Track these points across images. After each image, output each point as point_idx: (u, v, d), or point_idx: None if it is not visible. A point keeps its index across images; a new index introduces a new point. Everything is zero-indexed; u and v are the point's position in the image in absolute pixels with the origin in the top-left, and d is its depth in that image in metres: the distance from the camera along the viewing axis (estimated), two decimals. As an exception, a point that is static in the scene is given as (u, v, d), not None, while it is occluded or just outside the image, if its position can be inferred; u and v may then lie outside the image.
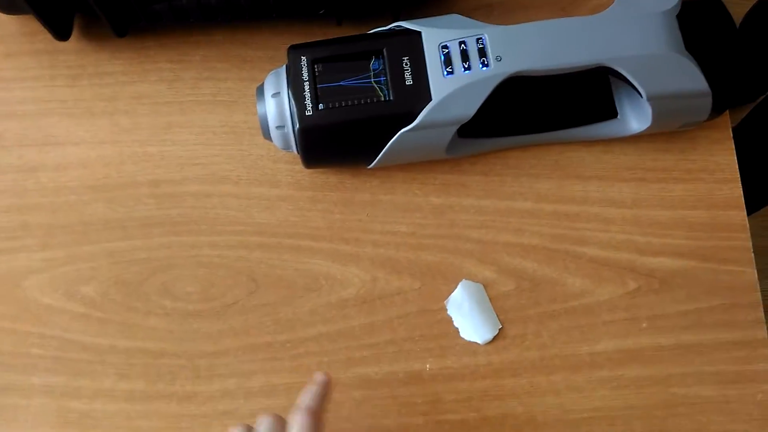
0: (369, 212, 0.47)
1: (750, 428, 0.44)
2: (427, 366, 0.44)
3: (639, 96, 0.42)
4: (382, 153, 0.43)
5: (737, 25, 0.46)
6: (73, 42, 0.49)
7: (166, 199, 0.47)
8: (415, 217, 0.47)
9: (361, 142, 0.43)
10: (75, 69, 0.49)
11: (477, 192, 0.47)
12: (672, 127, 0.46)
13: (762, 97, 0.89)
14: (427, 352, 0.45)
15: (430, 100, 0.41)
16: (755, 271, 0.46)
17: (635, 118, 0.46)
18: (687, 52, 0.42)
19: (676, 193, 0.47)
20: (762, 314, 0.45)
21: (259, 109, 0.43)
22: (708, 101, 0.43)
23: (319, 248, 0.46)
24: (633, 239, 0.46)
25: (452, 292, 0.45)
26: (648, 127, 0.44)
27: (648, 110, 0.43)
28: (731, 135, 0.48)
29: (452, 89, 0.41)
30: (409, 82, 0.41)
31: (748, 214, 0.47)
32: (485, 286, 0.45)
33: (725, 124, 0.48)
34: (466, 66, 0.41)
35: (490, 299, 0.45)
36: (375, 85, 0.41)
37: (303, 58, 0.42)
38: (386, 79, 0.41)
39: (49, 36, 0.46)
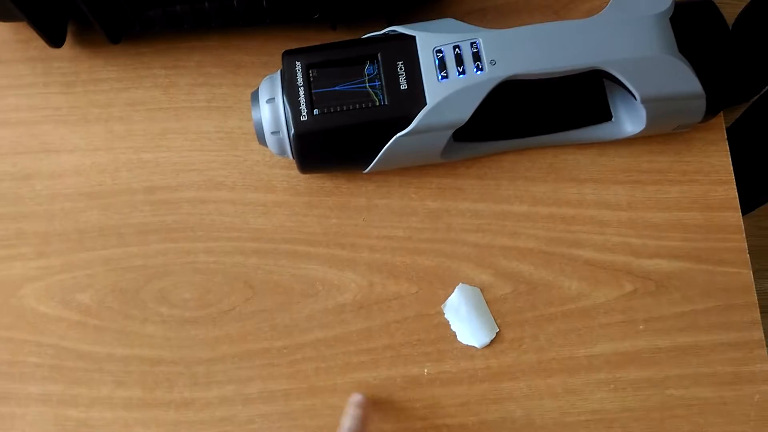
0: (365, 217, 0.47)
1: (748, 429, 0.44)
2: (425, 370, 0.44)
3: (633, 99, 0.42)
4: (377, 158, 0.43)
5: (730, 26, 0.46)
6: (67, 49, 0.49)
7: (161, 205, 0.47)
8: (411, 221, 0.47)
9: (356, 147, 0.43)
10: (69, 76, 0.49)
11: (473, 196, 0.47)
12: (666, 129, 0.46)
13: (756, 96, 0.90)
14: (424, 357, 0.45)
15: (425, 104, 0.41)
16: (751, 272, 0.46)
17: (630, 121, 0.46)
18: (680, 54, 0.42)
19: (671, 195, 0.47)
20: (758, 315, 0.45)
21: (254, 114, 0.43)
22: (702, 103, 0.43)
23: (315, 253, 0.46)
24: (629, 241, 0.46)
25: (449, 296, 0.45)
26: (642, 130, 0.44)
27: (642, 113, 0.43)
28: (726, 136, 0.48)
29: (447, 93, 0.41)
30: (403, 86, 0.41)
31: (743, 214, 0.47)
32: (482, 290, 0.45)
33: (719, 126, 0.48)
34: (461, 70, 0.41)
35: (487, 303, 0.45)
36: (370, 90, 0.41)
37: (298, 63, 0.42)
38: (381, 84, 0.41)
39: (42, 43, 0.46)
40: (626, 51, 0.41)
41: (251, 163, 0.47)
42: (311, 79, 0.42)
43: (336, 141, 0.42)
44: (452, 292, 0.45)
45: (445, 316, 0.45)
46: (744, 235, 0.46)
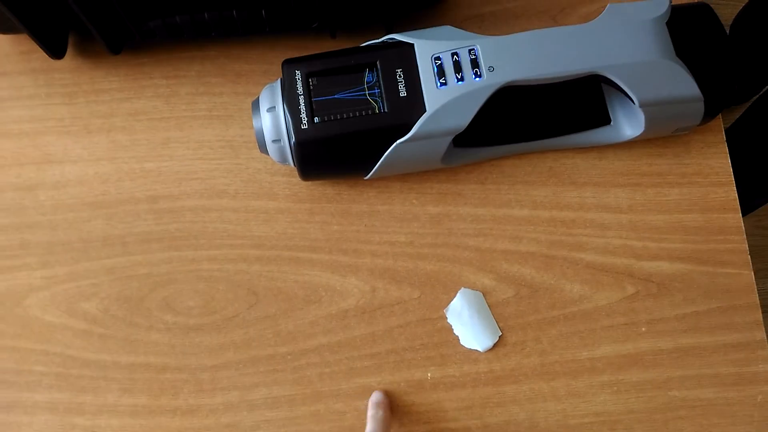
0: (367, 223, 0.47)
1: (751, 430, 0.44)
2: (429, 375, 0.45)
3: (631, 103, 0.42)
4: (378, 164, 0.43)
5: (727, 27, 0.47)
6: (68, 60, 0.49)
7: (164, 214, 0.47)
8: (412, 226, 0.47)
9: (357, 154, 0.43)
10: (71, 87, 0.49)
11: (473, 200, 0.47)
12: (665, 132, 0.46)
13: (755, 97, 0.90)
14: (428, 361, 0.45)
15: (425, 111, 0.41)
16: (752, 272, 0.46)
17: (628, 125, 0.46)
18: (678, 58, 0.42)
19: (671, 198, 0.47)
20: (760, 316, 0.45)
21: (255, 123, 0.43)
22: (700, 106, 0.43)
23: (318, 260, 0.46)
24: (630, 244, 0.46)
25: (451, 300, 0.45)
26: (641, 133, 0.45)
27: (641, 116, 0.43)
28: (725, 138, 0.48)
29: (446, 100, 0.41)
30: (403, 93, 0.42)
31: (743, 214, 0.47)
32: (484, 294, 0.46)
33: (718, 128, 0.48)
34: (459, 77, 0.41)
35: (489, 307, 0.45)
36: (369, 98, 0.42)
37: (297, 72, 0.42)
38: (380, 92, 0.42)
39: (44, 54, 0.46)
40: (624, 56, 0.42)
41: (253, 171, 0.48)
42: (311, 87, 0.42)
43: (337, 148, 0.42)
44: (454, 296, 0.45)
45: (448, 320, 0.45)
46: (745, 236, 0.46)
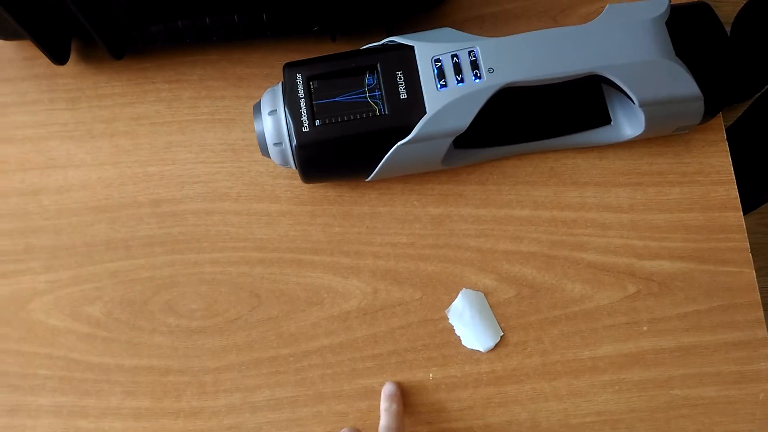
0: (368, 224, 0.47)
1: (753, 428, 0.44)
2: (430, 375, 0.45)
3: (631, 102, 0.42)
4: (379, 166, 0.43)
5: (729, 25, 0.47)
6: (71, 65, 0.50)
7: (167, 217, 0.47)
8: (414, 227, 0.47)
9: (358, 156, 0.43)
10: (74, 92, 0.50)
11: (475, 201, 0.47)
12: (666, 131, 0.46)
13: (758, 94, 0.90)
14: (429, 362, 0.45)
15: (425, 113, 0.41)
16: (753, 271, 0.46)
17: (629, 124, 0.46)
18: (677, 57, 0.42)
19: (672, 197, 0.47)
20: (761, 314, 0.45)
21: (257, 126, 0.43)
22: (700, 105, 0.43)
23: (320, 262, 0.46)
24: (631, 243, 0.46)
25: (453, 301, 0.46)
26: (642, 133, 0.45)
27: (641, 116, 0.43)
28: (725, 137, 0.48)
29: (446, 102, 0.41)
30: (403, 96, 0.42)
31: (746, 212, 0.47)
32: (486, 294, 0.46)
33: (719, 126, 0.48)
34: (459, 78, 0.41)
35: (490, 307, 0.46)
36: (370, 100, 0.42)
37: (298, 75, 0.42)
38: (381, 94, 0.42)
39: (47, 60, 0.47)
40: (623, 56, 0.42)
41: (255, 174, 0.48)
42: (312, 90, 0.42)
43: (338, 151, 0.43)
44: (456, 297, 0.46)
45: (449, 321, 0.45)
46: (746, 234, 0.46)
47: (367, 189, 0.48)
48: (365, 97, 0.42)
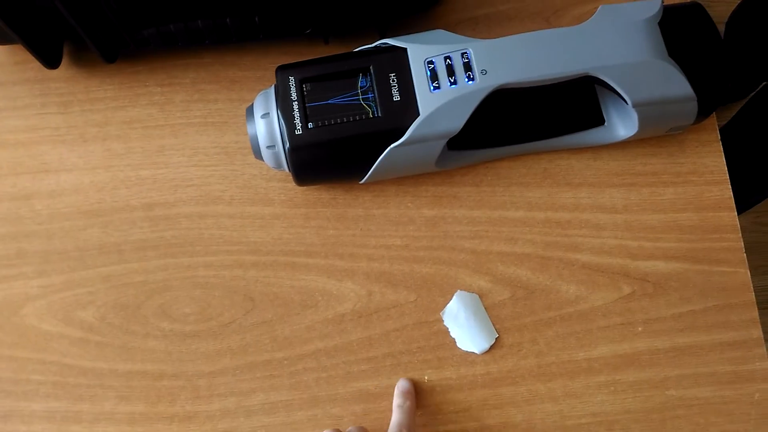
0: (362, 227, 0.47)
1: (748, 428, 0.44)
2: (426, 378, 0.45)
3: (625, 103, 0.42)
4: (372, 169, 0.43)
5: (722, 25, 0.47)
6: (63, 69, 0.49)
7: (160, 221, 0.47)
8: (408, 229, 0.47)
9: (351, 159, 0.43)
10: (66, 96, 0.49)
11: (469, 203, 0.47)
12: (659, 132, 0.46)
13: (752, 93, 0.90)
14: (424, 364, 0.45)
15: (418, 115, 0.41)
16: (748, 271, 0.46)
17: (622, 125, 0.46)
18: (670, 58, 0.42)
19: (666, 197, 0.47)
20: (756, 314, 0.45)
21: (249, 130, 0.43)
22: (693, 105, 0.43)
23: (314, 264, 0.46)
24: (625, 244, 0.46)
25: (448, 303, 0.45)
26: (635, 133, 0.45)
27: (634, 117, 0.43)
28: (719, 137, 0.48)
29: (439, 104, 0.41)
30: (396, 98, 0.42)
31: (740, 212, 0.47)
32: (480, 296, 0.46)
33: (712, 126, 0.48)
34: (452, 80, 0.41)
35: (485, 309, 0.45)
36: (363, 103, 0.42)
37: (291, 78, 0.42)
38: (374, 96, 0.42)
39: (38, 64, 0.46)
40: (616, 57, 0.42)
41: (248, 177, 0.48)
42: (305, 93, 0.42)
43: (331, 153, 0.42)
44: (451, 299, 0.46)
45: (444, 323, 0.45)
46: (740, 234, 0.46)
47: (361, 191, 0.47)
48: (358, 100, 0.42)
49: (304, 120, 0.42)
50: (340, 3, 0.45)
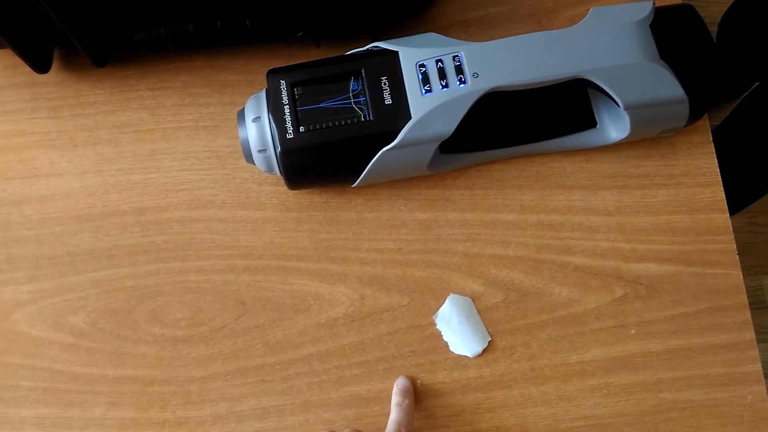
0: (355, 230, 0.47)
1: (741, 430, 0.44)
2: (418, 382, 0.44)
3: (616, 105, 0.42)
4: (364, 172, 0.43)
5: (715, 26, 0.47)
6: (54, 74, 0.49)
7: (151, 226, 0.47)
8: (401, 233, 0.47)
9: (343, 162, 0.43)
10: (56, 100, 0.49)
11: (461, 206, 0.47)
12: (651, 134, 0.46)
13: (745, 94, 0.90)
14: (417, 368, 0.45)
15: (410, 118, 0.41)
16: (740, 273, 0.46)
17: (614, 127, 0.46)
18: (662, 60, 0.42)
19: (658, 199, 0.47)
20: (749, 316, 0.45)
21: (241, 133, 0.43)
22: (685, 107, 0.43)
23: (306, 268, 0.46)
24: (618, 246, 0.46)
25: (440, 306, 0.45)
26: (627, 136, 0.45)
27: (626, 119, 0.43)
28: (711, 138, 0.48)
29: (431, 107, 0.41)
30: (388, 101, 0.42)
31: (734, 212, 0.47)
32: (473, 299, 0.46)
33: (704, 128, 0.48)
34: (444, 84, 0.41)
35: (478, 312, 0.45)
36: (355, 106, 0.42)
37: (282, 81, 0.42)
38: (366, 100, 0.42)
39: (28, 69, 0.46)
40: (608, 59, 0.42)
41: (240, 181, 0.48)
42: (296, 96, 0.42)
43: (323, 157, 0.42)
44: (443, 302, 0.45)
45: (437, 326, 0.45)
46: (732, 236, 0.46)
47: (354, 195, 0.47)
48: (350, 103, 0.42)
49: (296, 124, 0.41)
50: (331, 6, 0.45)
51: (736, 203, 0.89)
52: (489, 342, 0.45)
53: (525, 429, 0.44)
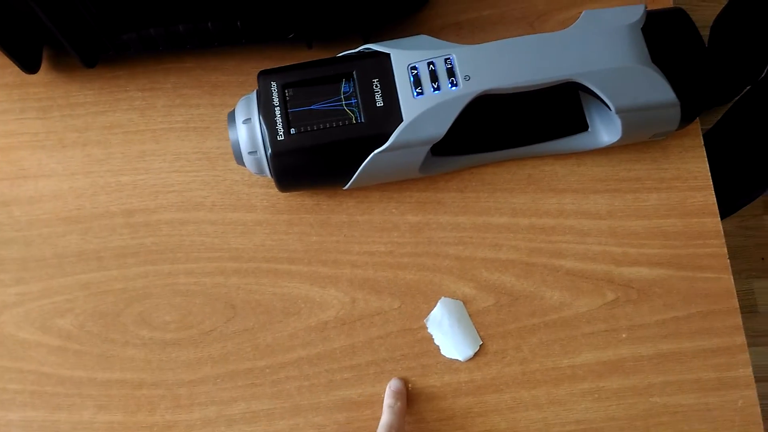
0: (346, 233, 0.47)
1: (732, 434, 0.44)
2: (409, 386, 0.44)
3: (608, 109, 0.42)
4: (356, 174, 0.43)
5: (707, 29, 0.47)
6: (43, 74, 0.49)
7: (140, 228, 0.46)
8: (392, 236, 0.47)
9: (334, 164, 0.43)
10: (45, 101, 0.49)
11: (453, 209, 0.47)
12: (643, 137, 0.46)
13: (737, 98, 0.90)
14: (408, 372, 0.44)
15: (401, 121, 0.41)
16: (731, 277, 0.46)
17: (606, 131, 0.46)
18: (653, 63, 0.42)
19: (650, 203, 0.47)
20: (740, 320, 0.45)
21: (231, 135, 0.43)
22: (677, 111, 0.43)
23: (297, 271, 0.46)
24: (609, 250, 0.46)
25: (432, 310, 0.45)
26: (619, 139, 0.45)
27: (618, 123, 0.43)
28: (702, 142, 0.48)
29: (423, 110, 0.41)
30: (379, 103, 0.41)
31: (726, 215, 0.47)
32: (465, 303, 0.45)
33: (696, 132, 0.48)
34: (436, 86, 0.41)
35: (469, 315, 0.45)
36: (346, 108, 0.42)
37: (273, 83, 0.42)
38: (357, 102, 0.42)
39: (17, 69, 0.46)
40: (599, 63, 0.42)
41: (230, 183, 0.47)
42: (287, 98, 0.42)
43: (314, 159, 0.42)
44: (435, 306, 0.45)
45: (428, 330, 0.45)
46: (724, 240, 0.46)
47: (345, 197, 0.47)
48: (341, 105, 0.42)
49: (287, 125, 0.41)
50: (323, 8, 0.44)
51: (727, 207, 0.90)
52: (480, 346, 0.45)
53: (516, 433, 0.44)
